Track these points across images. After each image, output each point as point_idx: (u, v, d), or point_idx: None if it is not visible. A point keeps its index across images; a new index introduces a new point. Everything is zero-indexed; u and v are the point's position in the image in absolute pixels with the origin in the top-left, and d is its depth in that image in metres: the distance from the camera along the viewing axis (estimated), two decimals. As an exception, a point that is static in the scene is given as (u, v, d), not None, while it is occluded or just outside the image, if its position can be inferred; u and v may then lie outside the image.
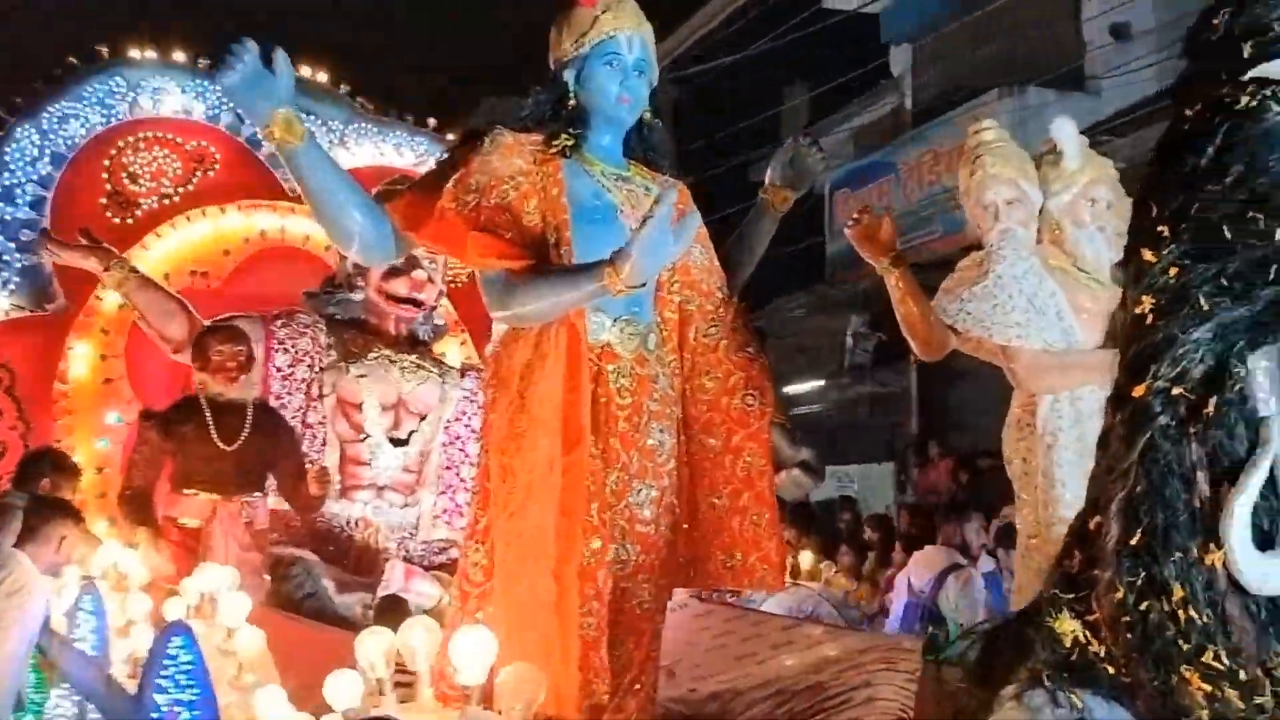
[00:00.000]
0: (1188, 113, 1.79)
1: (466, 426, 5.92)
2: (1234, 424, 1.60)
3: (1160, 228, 1.78)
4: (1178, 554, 1.64)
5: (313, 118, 6.57)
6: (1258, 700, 1.52)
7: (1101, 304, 3.46)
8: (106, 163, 6.01)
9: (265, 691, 2.56)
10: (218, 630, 2.45)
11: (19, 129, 5.85)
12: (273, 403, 5.03)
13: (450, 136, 7.01)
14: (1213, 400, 1.60)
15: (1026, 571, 3.38)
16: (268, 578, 4.34)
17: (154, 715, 2.73)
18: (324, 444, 5.07)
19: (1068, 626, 1.76)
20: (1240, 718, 1.50)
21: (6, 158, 5.81)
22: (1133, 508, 1.72)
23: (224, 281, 6.08)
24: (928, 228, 14.30)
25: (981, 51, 12.36)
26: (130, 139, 6.07)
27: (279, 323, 5.38)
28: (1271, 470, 1.52)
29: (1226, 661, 1.49)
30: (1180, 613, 1.53)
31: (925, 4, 13.64)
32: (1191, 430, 1.60)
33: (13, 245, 5.78)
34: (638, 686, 2.64)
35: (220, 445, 4.35)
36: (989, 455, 12.66)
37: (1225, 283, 1.60)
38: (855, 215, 3.44)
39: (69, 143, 5.96)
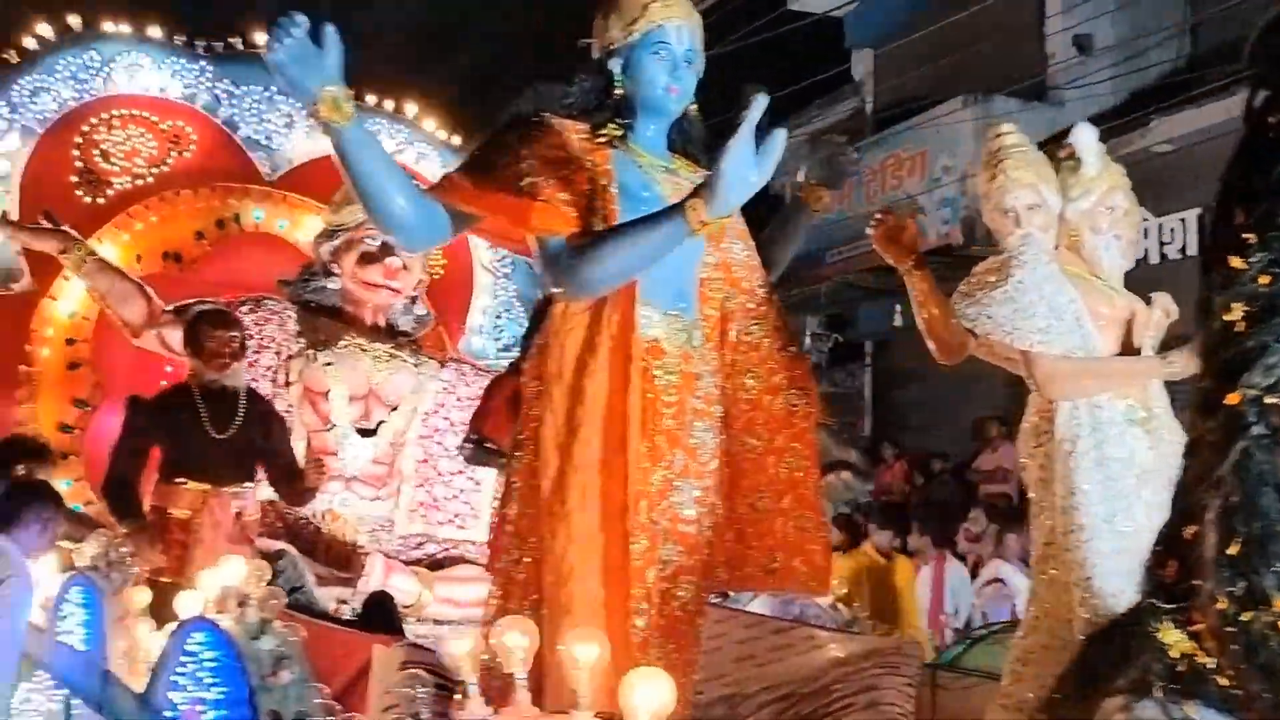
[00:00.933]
0: (1271, 119, 1.78)
1: (445, 419, 5.85)
2: (1329, 433, 1.59)
3: (1247, 235, 1.77)
4: (1276, 564, 1.63)
5: (289, 100, 6.44)
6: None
7: (1117, 311, 3.47)
8: (78, 139, 5.81)
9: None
10: (249, 626, 2.33)
11: (-13, 101, 5.63)
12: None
13: (430, 124, 6.91)
14: (1308, 409, 1.59)
15: (1041, 579, 3.38)
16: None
17: (167, 714, 2.62)
18: (290, 433, 4.95)
19: (1173, 637, 1.74)
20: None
21: (-27, 131, 5.59)
22: (1229, 518, 1.70)
23: (197, 266, 5.91)
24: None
25: (945, 60, 12.48)
26: (104, 116, 5.89)
27: (245, 308, 5.26)
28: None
29: (1335, 671, 1.48)
30: (1280, 623, 1.52)
31: (890, 11, 13.75)
32: (1286, 439, 1.59)
33: (-24, 222, 5.56)
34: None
35: (212, 434, 4.21)
36: (942, 458, 12.93)
37: (1318, 290, 1.60)
38: (878, 216, 3.42)
39: (39, 117, 5.76)
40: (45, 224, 5.03)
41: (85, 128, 5.83)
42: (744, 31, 14.36)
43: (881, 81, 14.46)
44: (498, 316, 6.99)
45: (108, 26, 6.00)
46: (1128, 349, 3.48)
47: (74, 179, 5.78)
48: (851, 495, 3.99)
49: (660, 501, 2.54)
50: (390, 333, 5.69)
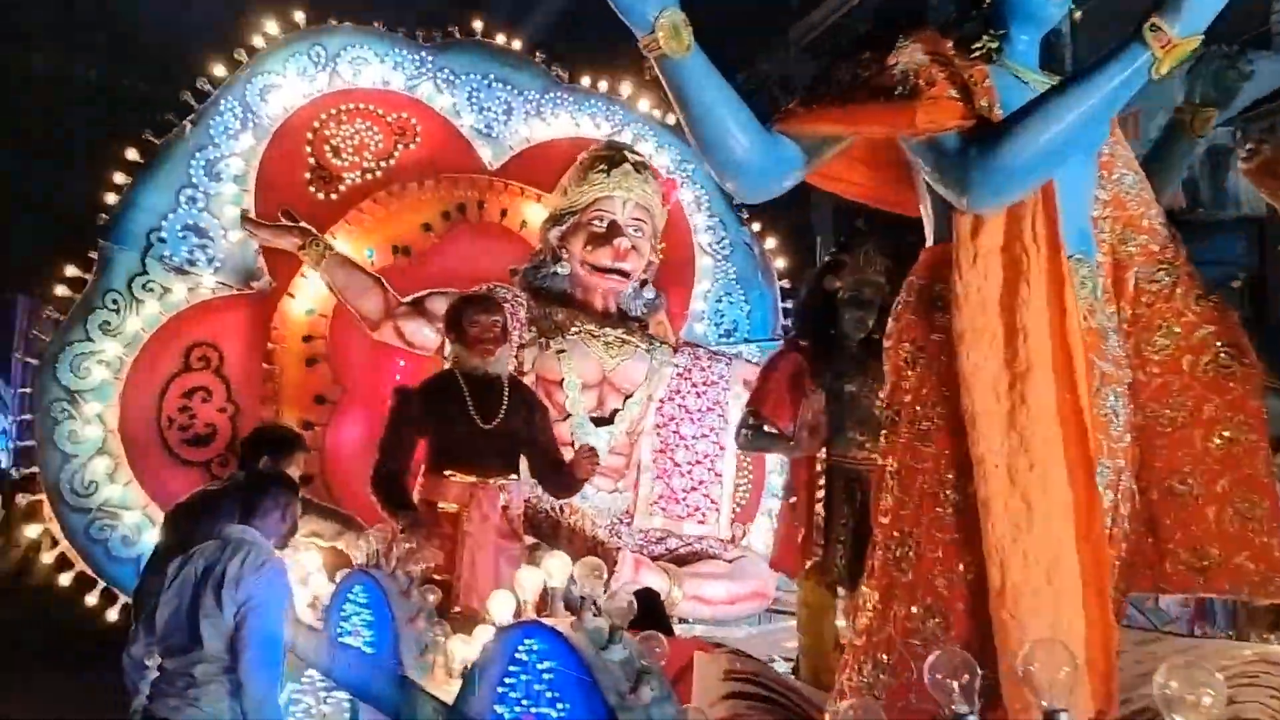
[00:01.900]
0: None
1: (680, 406, 5.63)
2: None
3: None
4: None
5: (508, 87, 6.33)
6: None
7: None
8: (309, 135, 5.81)
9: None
10: (594, 634, 2.10)
11: (222, 101, 5.66)
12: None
13: (645, 104, 6.69)
14: None
15: None
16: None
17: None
18: (551, 422, 4.77)
19: None
20: None
21: (211, 131, 5.63)
22: None
23: (425, 258, 5.83)
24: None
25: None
26: (332, 111, 5.87)
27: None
28: None
29: None
30: None
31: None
32: None
33: (218, 222, 5.61)
34: None
35: (479, 423, 3.98)
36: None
37: None
38: (1250, 146, 2.98)
39: (271, 115, 5.76)
40: (284, 221, 5.03)
41: (315, 124, 5.81)
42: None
43: (1083, 36, 13.59)
44: (718, 301, 6.74)
45: (331, 20, 5.97)
46: None
47: (307, 176, 5.77)
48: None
49: None
50: (621, 318, 5.51)
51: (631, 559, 4.91)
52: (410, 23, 6.19)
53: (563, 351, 5.17)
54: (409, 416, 4.03)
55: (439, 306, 4.91)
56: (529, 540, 4.47)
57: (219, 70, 5.70)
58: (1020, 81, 2.30)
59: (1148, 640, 2.82)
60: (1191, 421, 2.35)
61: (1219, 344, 2.37)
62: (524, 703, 2.34)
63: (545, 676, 2.28)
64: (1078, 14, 2.47)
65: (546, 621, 2.32)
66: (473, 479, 3.93)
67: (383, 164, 5.91)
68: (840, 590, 3.62)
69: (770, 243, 6.93)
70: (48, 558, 5.24)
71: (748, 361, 6.11)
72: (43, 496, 5.20)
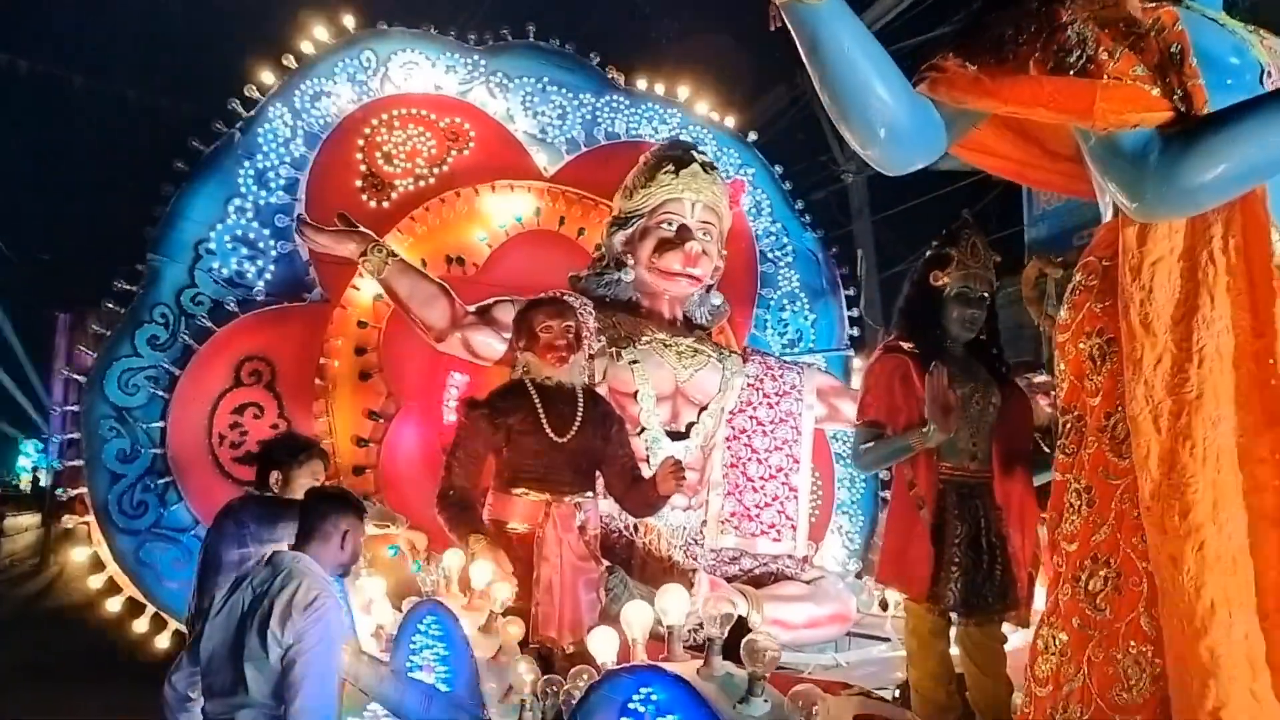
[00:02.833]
0: None
1: (751, 419, 5.34)
2: None
3: None
4: None
5: (563, 90, 6.11)
6: None
7: None
8: (360, 142, 5.60)
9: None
10: (731, 684, 1.82)
11: (271, 108, 5.47)
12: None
13: (703, 107, 6.45)
14: None
15: None
16: (604, 593, 3.78)
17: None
18: (629, 435, 4.49)
19: None
20: None
21: (260, 139, 5.44)
22: None
23: (481, 268, 5.61)
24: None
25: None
26: (384, 116, 5.66)
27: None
28: None
29: None
30: None
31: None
32: None
33: (267, 232, 5.41)
34: None
35: (552, 437, 3.69)
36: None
37: None
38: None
39: (322, 122, 5.57)
40: (342, 226, 4.79)
41: (367, 130, 5.61)
42: None
43: None
44: (781, 309, 6.47)
45: (381, 25, 5.77)
46: None
47: (358, 183, 5.56)
48: None
49: None
50: (688, 326, 5.25)
51: (708, 581, 4.62)
52: (461, 26, 5.98)
53: (635, 362, 4.90)
54: (478, 430, 3.74)
55: (506, 315, 4.64)
56: (604, 562, 4.21)
57: (267, 78, 5.51)
58: (1214, 23, 2.01)
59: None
60: None
61: None
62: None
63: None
64: None
65: (667, 667, 2.02)
66: (546, 497, 3.64)
67: (436, 170, 5.70)
68: (953, 617, 3.33)
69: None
70: (95, 582, 5.02)
71: (821, 371, 5.84)
72: (90, 518, 5.00)
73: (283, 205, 5.44)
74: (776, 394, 5.34)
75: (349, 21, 5.69)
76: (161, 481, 5.00)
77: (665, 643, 2.24)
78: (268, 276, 5.37)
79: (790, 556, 5.14)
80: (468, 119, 5.82)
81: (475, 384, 5.29)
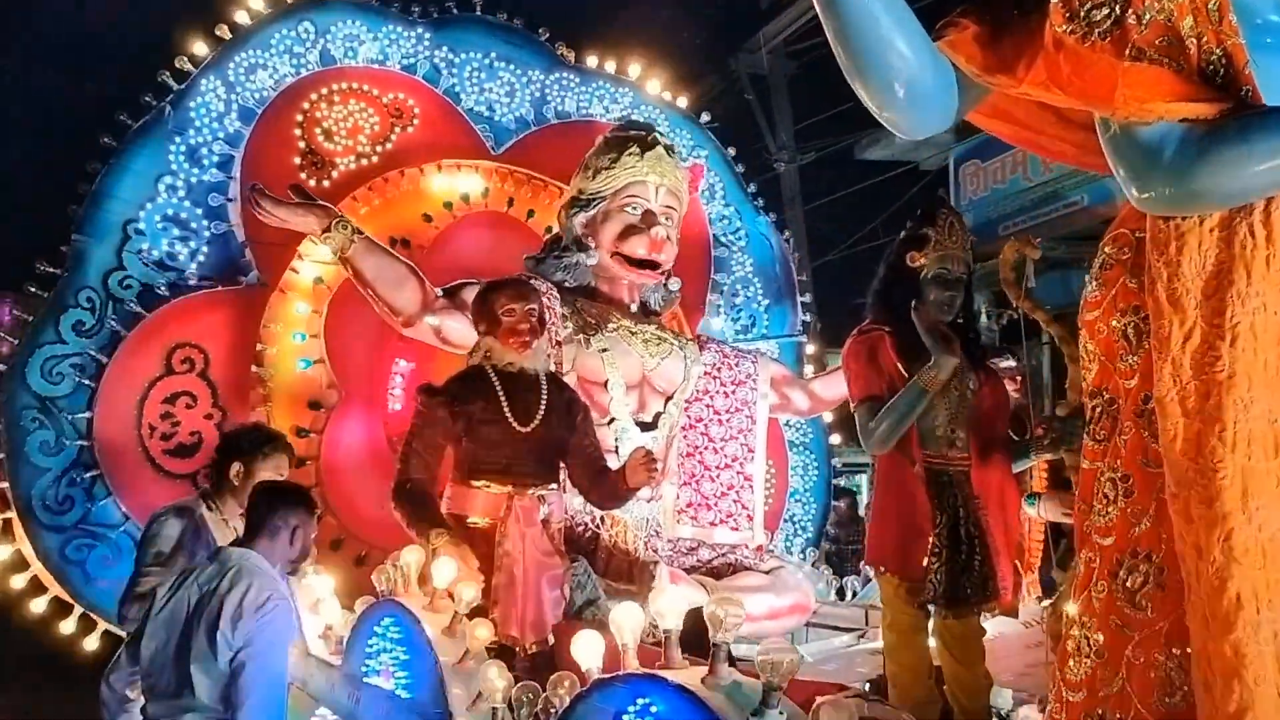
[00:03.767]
0: None
1: (708, 407, 5.20)
2: None
3: None
4: None
5: (511, 67, 5.91)
6: None
7: None
8: (299, 118, 5.33)
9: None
10: (740, 693, 1.66)
11: (204, 81, 5.19)
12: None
13: (655, 85, 6.28)
14: None
15: None
16: (567, 589, 3.61)
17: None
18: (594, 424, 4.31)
19: None
20: None
21: (192, 114, 5.15)
22: None
23: (427, 250, 5.38)
24: (1069, 198, 13.41)
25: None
26: (323, 91, 5.40)
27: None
28: None
29: None
30: None
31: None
32: None
33: (200, 211, 5.13)
34: None
35: (515, 426, 3.50)
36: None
37: None
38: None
39: (258, 96, 5.29)
40: (294, 199, 4.51)
41: (306, 105, 5.35)
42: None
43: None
44: (734, 295, 6.35)
45: (321, -5, 5.51)
46: None
47: (297, 160, 5.30)
48: None
49: None
50: (645, 311, 5.10)
51: (668, 572, 4.48)
52: (405, -3, 5.74)
53: (605, 350, 4.72)
54: (437, 419, 3.54)
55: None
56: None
57: (200, 49, 5.22)
58: None
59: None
60: None
61: None
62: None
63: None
64: None
65: (667, 675, 1.85)
66: (509, 489, 3.46)
67: (379, 148, 5.46)
68: (932, 609, 3.24)
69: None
70: (18, 581, 4.72)
71: (774, 360, 5.73)
72: (12, 514, 4.69)
73: (216, 183, 5.16)
74: (733, 383, 5.21)
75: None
76: (88, 475, 4.71)
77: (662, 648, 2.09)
78: (200, 258, 5.09)
79: (748, 546, 5.03)
80: (412, 95, 5.59)
81: (422, 371, 5.10)
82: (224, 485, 4.06)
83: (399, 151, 5.49)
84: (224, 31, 5.27)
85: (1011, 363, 4.10)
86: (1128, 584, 1.77)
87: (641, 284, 5.04)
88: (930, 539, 3.16)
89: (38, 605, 4.71)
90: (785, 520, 6.16)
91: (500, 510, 3.46)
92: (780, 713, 1.66)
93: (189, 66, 5.17)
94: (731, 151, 6.49)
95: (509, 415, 3.51)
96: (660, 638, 2.11)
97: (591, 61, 6.15)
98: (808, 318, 6.52)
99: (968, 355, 3.43)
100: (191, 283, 5.05)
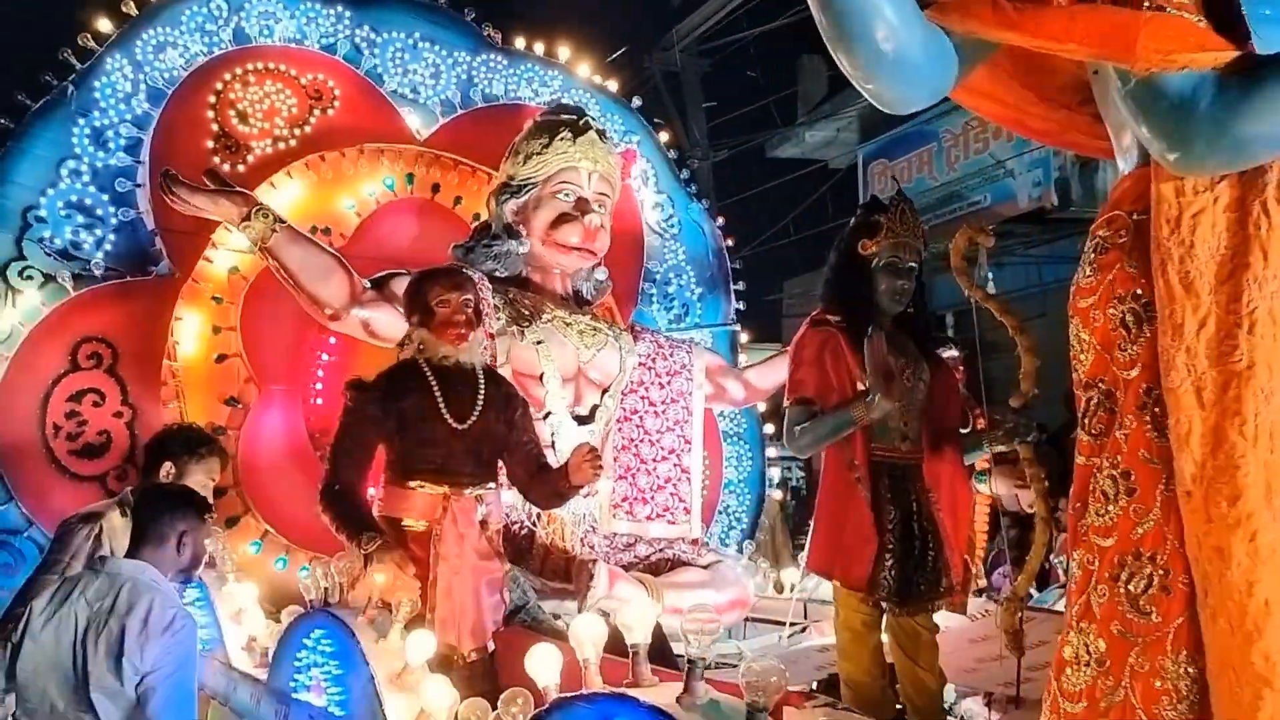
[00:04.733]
0: None
1: (643, 399, 5.09)
2: None
3: None
4: None
5: (436, 48, 5.70)
6: None
7: None
8: (212, 99, 5.06)
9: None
10: (719, 712, 1.54)
11: (109, 60, 4.90)
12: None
13: (585, 70, 6.12)
14: None
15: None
16: (507, 594, 3.46)
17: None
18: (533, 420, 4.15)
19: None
20: None
21: (97, 94, 4.87)
22: None
23: (350, 239, 5.16)
24: (972, 197, 13.60)
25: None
26: (238, 71, 5.13)
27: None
28: None
29: None
30: None
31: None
32: None
33: (106, 198, 4.85)
34: None
35: (451, 423, 3.31)
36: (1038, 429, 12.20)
37: None
38: None
39: (167, 76, 5.02)
40: (211, 184, 4.26)
41: (219, 85, 5.08)
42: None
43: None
44: (667, 283, 6.22)
45: (235, -30, 5.24)
46: None
47: (209, 144, 5.03)
48: None
49: None
50: (577, 301, 4.96)
51: (607, 571, 4.35)
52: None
53: (540, 342, 4.57)
54: (367, 416, 3.34)
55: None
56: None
57: (104, 25, 4.93)
58: None
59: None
60: None
61: None
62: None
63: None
64: None
65: (636, 694, 1.71)
66: (445, 489, 3.28)
67: (297, 131, 5.21)
68: (885, 607, 3.15)
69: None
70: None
71: (708, 350, 5.63)
72: (-98, 522, 4.39)
73: (124, 168, 4.88)
74: (668, 373, 5.10)
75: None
76: (-13, 478, 4.43)
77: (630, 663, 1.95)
78: (107, 247, 4.81)
79: (685, 540, 4.92)
80: (332, 76, 5.34)
81: (345, 365, 4.89)
82: None
83: (318, 135, 5.25)
84: (130, 7, 4.99)
85: (954, 352, 4.04)
86: (1130, 588, 1.68)
87: (574, 272, 4.90)
88: (880, 539, 3.08)
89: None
90: (720, 512, 6.06)
91: (436, 512, 3.28)
92: (768, 736, 1.53)
93: (93, 44, 4.88)
94: (664, 137, 6.36)
95: (444, 412, 3.33)
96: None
97: (519, 43, 5.96)
98: (742, 305, 6.43)
99: (918, 346, 3.36)
100: (98, 273, 4.78)
